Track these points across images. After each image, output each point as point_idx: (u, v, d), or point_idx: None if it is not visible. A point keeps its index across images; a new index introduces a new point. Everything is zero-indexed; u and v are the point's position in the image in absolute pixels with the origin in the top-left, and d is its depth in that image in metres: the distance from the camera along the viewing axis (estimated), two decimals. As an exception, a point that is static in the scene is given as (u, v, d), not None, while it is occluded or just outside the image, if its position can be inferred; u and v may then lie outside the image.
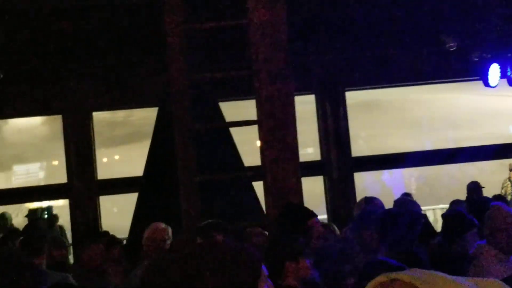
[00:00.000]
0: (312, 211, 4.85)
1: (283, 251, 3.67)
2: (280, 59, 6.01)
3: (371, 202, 5.43)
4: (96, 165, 10.76)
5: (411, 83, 11.37)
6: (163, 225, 5.37)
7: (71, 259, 8.84)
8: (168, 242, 5.28)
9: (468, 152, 10.71)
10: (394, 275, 1.16)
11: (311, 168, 9.93)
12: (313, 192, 11.25)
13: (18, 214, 13.04)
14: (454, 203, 7.15)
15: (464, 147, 11.11)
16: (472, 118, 13.16)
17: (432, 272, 1.18)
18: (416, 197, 10.20)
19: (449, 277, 1.16)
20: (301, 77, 9.75)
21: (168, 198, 6.77)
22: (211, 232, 4.73)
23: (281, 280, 3.57)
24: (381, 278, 1.17)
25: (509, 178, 11.65)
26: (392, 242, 3.90)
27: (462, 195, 9.20)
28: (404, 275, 1.14)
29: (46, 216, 10.71)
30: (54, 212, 11.05)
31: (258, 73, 5.91)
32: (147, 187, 7.55)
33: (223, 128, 7.35)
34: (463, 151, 10.83)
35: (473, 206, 7.32)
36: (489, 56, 8.70)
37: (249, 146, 8.70)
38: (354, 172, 10.45)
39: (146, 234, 5.31)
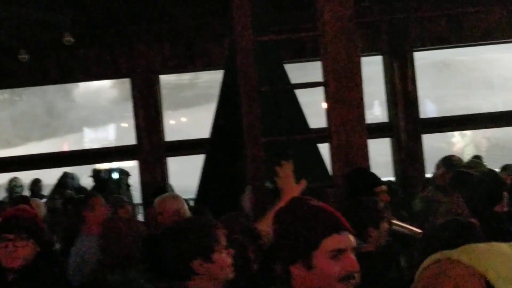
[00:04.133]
0: (380, 179, 4.82)
1: (365, 216, 3.60)
2: (347, 19, 5.90)
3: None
4: (163, 127, 10.97)
5: (483, 42, 10.97)
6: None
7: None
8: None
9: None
10: (449, 254, 1.13)
11: (378, 130, 9.81)
12: (380, 154, 11.13)
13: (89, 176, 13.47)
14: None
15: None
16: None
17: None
18: (487, 160, 9.95)
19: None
20: (368, 38, 9.58)
21: (234, 160, 6.84)
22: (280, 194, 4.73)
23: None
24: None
25: None
26: (470, 203, 3.82)
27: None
28: (461, 255, 1.11)
29: (115, 176, 10.97)
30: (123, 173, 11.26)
31: (324, 33, 5.83)
32: (214, 148, 7.64)
33: (288, 90, 7.32)
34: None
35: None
36: None
37: (315, 108, 8.64)
38: (422, 134, 10.26)
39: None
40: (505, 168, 7.13)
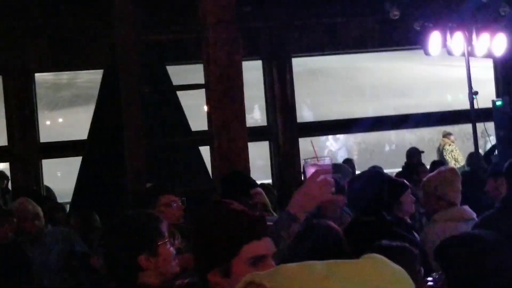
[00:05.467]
0: (255, 181, 4.94)
1: None
2: (229, 24, 6.00)
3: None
4: (38, 128, 10.56)
5: (356, 50, 11.51)
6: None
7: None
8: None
9: (409, 120, 11.00)
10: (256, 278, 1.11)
11: (257, 133, 10.01)
12: (259, 157, 11.37)
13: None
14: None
15: (405, 114, 11.40)
16: (413, 87, 13.45)
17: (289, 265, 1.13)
18: (358, 163, 10.45)
19: (297, 266, 1.11)
20: (249, 43, 9.77)
21: (113, 162, 6.73)
22: (157, 195, 4.72)
23: None
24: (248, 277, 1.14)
25: (443, 145, 12.04)
26: (355, 206, 3.98)
27: (402, 161, 9.48)
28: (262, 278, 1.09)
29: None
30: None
31: (206, 36, 5.90)
32: (92, 150, 7.47)
33: (170, 91, 7.31)
34: (405, 118, 11.11)
35: (410, 170, 7.67)
36: (430, 25, 8.86)
37: (196, 110, 8.69)
38: (299, 137, 10.59)
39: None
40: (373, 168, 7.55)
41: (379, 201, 3.90)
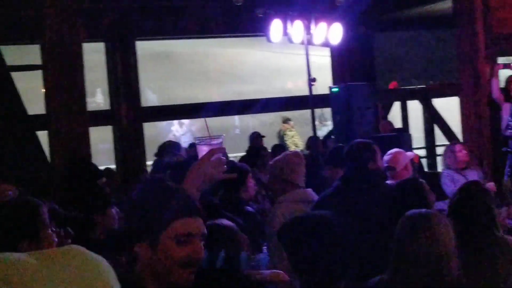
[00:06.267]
0: (100, 171, 4.88)
1: (92, 204, 3.65)
2: (68, 3, 5.76)
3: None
4: None
5: (200, 36, 11.54)
6: None
7: None
8: None
9: (253, 105, 11.25)
10: None
11: (100, 118, 9.73)
12: (103, 141, 11.08)
13: None
14: None
15: (249, 99, 11.65)
16: (257, 73, 13.81)
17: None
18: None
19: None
20: (90, 24, 9.43)
21: None
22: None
23: (92, 233, 3.53)
24: None
25: (284, 131, 12.51)
26: None
27: (246, 145, 9.70)
28: None
29: None
30: None
31: (44, 15, 5.62)
32: None
33: (3, 73, 6.88)
34: (248, 103, 11.35)
35: (253, 154, 7.88)
36: (272, 12, 9.08)
37: (33, 93, 8.27)
38: (143, 122, 10.45)
39: None
40: None
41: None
